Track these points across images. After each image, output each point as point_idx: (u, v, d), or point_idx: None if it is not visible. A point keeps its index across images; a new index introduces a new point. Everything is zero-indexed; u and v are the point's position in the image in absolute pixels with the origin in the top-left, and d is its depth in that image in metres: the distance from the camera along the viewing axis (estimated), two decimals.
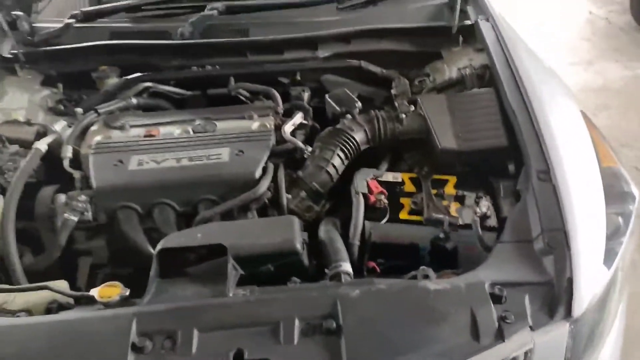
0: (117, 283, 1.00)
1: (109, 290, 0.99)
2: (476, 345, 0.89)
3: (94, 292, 0.99)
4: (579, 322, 0.97)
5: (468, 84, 1.55)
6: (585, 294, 0.97)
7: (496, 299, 0.94)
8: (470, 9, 1.81)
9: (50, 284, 1.05)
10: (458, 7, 1.70)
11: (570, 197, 1.08)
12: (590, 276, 0.99)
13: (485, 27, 1.66)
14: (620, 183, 1.24)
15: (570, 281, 0.96)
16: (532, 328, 0.92)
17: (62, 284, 1.08)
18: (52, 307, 1.02)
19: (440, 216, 1.18)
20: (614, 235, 1.11)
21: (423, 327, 0.91)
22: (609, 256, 1.06)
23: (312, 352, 0.88)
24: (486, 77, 1.55)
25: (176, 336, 0.89)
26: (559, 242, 1.01)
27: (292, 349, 0.88)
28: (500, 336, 0.90)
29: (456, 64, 1.66)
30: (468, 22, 1.74)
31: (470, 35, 1.73)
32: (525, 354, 0.91)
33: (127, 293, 0.99)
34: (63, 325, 0.93)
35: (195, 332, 0.90)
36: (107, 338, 0.90)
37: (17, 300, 1.05)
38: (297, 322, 0.90)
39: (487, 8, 1.76)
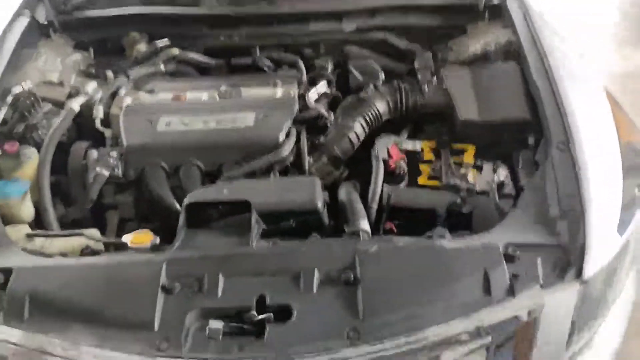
0: (147, 231, 1.06)
1: (141, 237, 1.05)
2: (488, 299, 0.93)
3: (126, 238, 1.05)
4: (589, 285, 0.99)
5: (492, 59, 1.55)
6: (596, 258, 1.00)
7: (509, 259, 0.97)
8: None
9: (84, 231, 1.12)
10: None
11: (588, 167, 1.10)
12: (602, 242, 1.02)
13: (512, 5, 1.66)
14: (636, 155, 1.25)
15: (582, 245, 0.99)
16: (542, 286, 0.95)
17: (95, 232, 1.14)
18: (86, 252, 1.08)
19: (458, 182, 1.20)
20: (629, 205, 1.12)
21: (437, 282, 0.95)
22: (623, 225, 1.08)
23: (330, 300, 0.93)
24: (511, 52, 1.55)
25: (203, 280, 0.95)
26: (574, 208, 1.04)
27: (312, 297, 0.93)
28: (511, 292, 0.94)
29: (481, 39, 1.67)
30: (495, 1, 1.75)
31: (497, 14, 1.73)
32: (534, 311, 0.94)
33: (157, 241, 1.04)
34: (99, 267, 1.00)
35: (221, 278, 0.95)
36: (139, 280, 0.96)
37: (54, 244, 1.11)
38: (316, 272, 0.95)
39: None
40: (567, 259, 0.99)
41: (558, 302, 0.97)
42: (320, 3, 1.77)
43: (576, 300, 0.99)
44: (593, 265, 0.99)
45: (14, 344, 0.90)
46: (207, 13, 1.72)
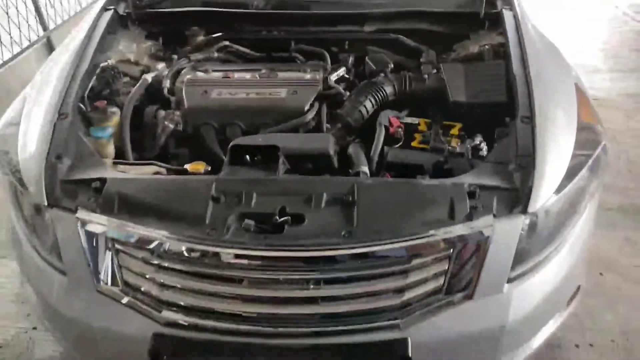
0: (202, 162, 1.43)
1: (197, 166, 1.42)
2: (451, 221, 1.24)
3: (187, 166, 1.42)
4: (534, 218, 1.29)
5: (485, 58, 1.88)
6: (540, 199, 1.29)
7: (471, 195, 1.28)
8: (499, 1, 2.14)
9: (155, 162, 1.49)
10: None
11: (544, 137, 1.40)
12: (547, 188, 1.32)
13: (507, 15, 1.98)
14: (592, 134, 1.54)
15: (530, 189, 1.29)
16: (495, 216, 1.26)
17: (163, 164, 1.52)
18: None
19: (442, 146, 1.53)
20: (577, 167, 1.41)
21: (414, 206, 1.27)
22: (568, 179, 1.37)
23: (333, 213, 1.26)
24: (501, 53, 1.87)
25: (241, 196, 1.29)
26: (527, 163, 1.34)
27: (319, 211, 1.26)
28: (469, 218, 1.25)
29: (479, 43, 1.99)
30: (494, 11, 2.07)
31: (496, 22, 2.05)
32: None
33: (209, 169, 1.41)
34: (168, 181, 1.37)
35: (255, 195, 1.29)
36: (195, 191, 1.32)
37: (132, 171, 1.49)
38: (324, 195, 1.28)
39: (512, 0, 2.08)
40: (517, 198, 1.29)
41: (507, 228, 1.27)
42: (347, 9, 2.14)
43: (522, 228, 1.28)
44: (536, 203, 1.29)
45: (107, 226, 1.27)
46: (253, 12, 2.12)
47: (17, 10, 4.25)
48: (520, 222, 1.28)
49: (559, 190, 1.34)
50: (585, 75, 4.13)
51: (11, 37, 4.12)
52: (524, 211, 1.28)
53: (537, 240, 1.34)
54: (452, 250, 1.25)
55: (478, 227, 1.24)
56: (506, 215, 1.27)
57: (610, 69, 4.31)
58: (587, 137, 1.51)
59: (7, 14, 4.05)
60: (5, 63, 3.99)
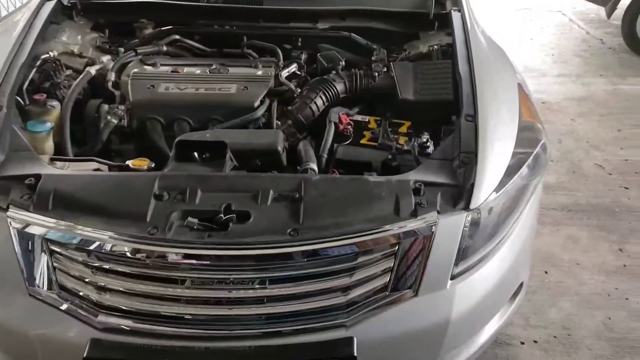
0: (145, 158, 1.38)
1: (140, 162, 1.37)
2: (396, 217, 1.25)
3: (129, 162, 1.37)
4: (476, 214, 1.32)
5: (434, 57, 1.91)
6: (482, 196, 1.32)
7: (416, 191, 1.29)
8: (448, 2, 2.18)
9: (95, 158, 1.43)
10: None
11: (486, 134, 1.43)
12: (488, 185, 1.34)
13: (455, 16, 2.02)
14: (532, 133, 1.59)
15: (472, 186, 1.32)
16: (439, 212, 1.28)
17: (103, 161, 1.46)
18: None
19: (390, 143, 1.54)
20: (517, 164, 1.45)
21: (361, 202, 1.27)
22: (509, 176, 1.40)
23: (279, 210, 1.24)
24: (449, 53, 1.91)
25: (185, 193, 1.26)
26: (470, 160, 1.37)
27: (266, 208, 1.25)
28: (414, 214, 1.26)
29: (429, 42, 2.03)
30: (444, 12, 2.11)
31: (444, 22, 2.09)
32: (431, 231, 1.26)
33: (153, 165, 1.36)
34: (108, 177, 1.31)
35: (199, 191, 1.26)
36: (137, 188, 1.27)
37: (70, 168, 1.42)
38: (271, 192, 1.27)
39: (461, 1, 2.13)
40: (460, 195, 1.31)
41: (450, 224, 1.29)
42: (300, 5, 2.13)
43: (465, 224, 1.30)
44: (478, 200, 1.31)
45: (40, 225, 1.21)
46: (205, 5, 2.07)
47: None
48: (463, 218, 1.30)
49: (500, 187, 1.38)
50: (535, 79, 4.32)
51: None
52: (467, 207, 1.30)
53: (480, 237, 1.36)
54: (397, 247, 1.26)
55: (422, 223, 1.26)
56: (450, 212, 1.29)
57: (558, 73, 4.51)
58: (528, 136, 1.55)
59: None
60: None
